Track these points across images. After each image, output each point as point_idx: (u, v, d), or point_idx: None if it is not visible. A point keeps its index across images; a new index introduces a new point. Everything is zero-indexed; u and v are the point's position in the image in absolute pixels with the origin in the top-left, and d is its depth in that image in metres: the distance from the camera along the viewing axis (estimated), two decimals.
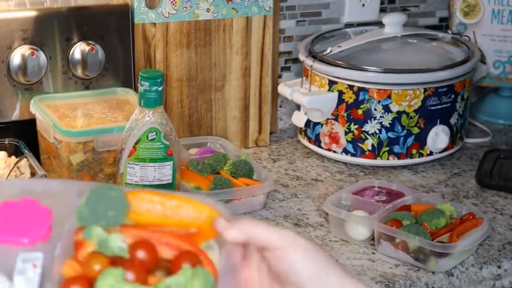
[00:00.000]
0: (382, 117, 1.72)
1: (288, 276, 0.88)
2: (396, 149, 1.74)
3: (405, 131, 1.73)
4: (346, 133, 1.75)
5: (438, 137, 1.76)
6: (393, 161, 1.76)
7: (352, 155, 1.76)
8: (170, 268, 0.85)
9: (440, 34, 1.93)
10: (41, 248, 0.86)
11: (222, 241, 0.88)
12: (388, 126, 1.73)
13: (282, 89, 1.78)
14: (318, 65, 1.75)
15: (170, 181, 1.46)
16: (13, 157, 1.55)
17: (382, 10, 2.02)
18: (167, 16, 1.72)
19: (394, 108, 1.72)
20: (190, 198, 0.91)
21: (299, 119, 1.78)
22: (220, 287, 0.84)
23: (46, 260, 0.84)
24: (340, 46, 1.79)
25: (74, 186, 0.92)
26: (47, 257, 0.84)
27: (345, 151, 1.76)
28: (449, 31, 1.95)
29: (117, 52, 1.69)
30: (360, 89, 1.72)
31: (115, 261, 0.84)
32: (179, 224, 0.90)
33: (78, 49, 1.65)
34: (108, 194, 0.88)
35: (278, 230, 0.89)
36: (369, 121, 1.73)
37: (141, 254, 0.85)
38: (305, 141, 1.83)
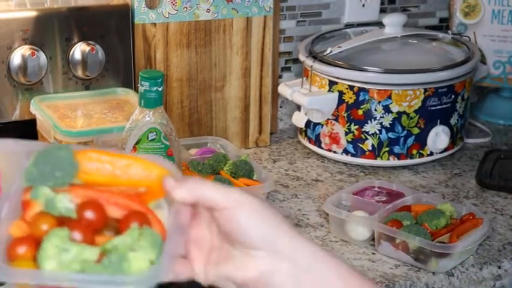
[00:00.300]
0: (383, 117, 1.72)
1: (238, 236, 0.87)
2: (396, 149, 1.74)
3: (405, 132, 1.73)
4: (346, 133, 1.75)
5: (438, 138, 1.76)
6: (393, 162, 1.76)
7: (353, 155, 1.76)
8: (119, 228, 0.85)
9: (440, 34, 1.93)
10: None
11: (172, 200, 0.88)
12: (388, 126, 1.73)
13: (282, 89, 1.78)
14: (318, 66, 1.75)
15: None
16: None
17: (382, 10, 2.02)
18: (167, 16, 1.72)
19: (394, 108, 1.72)
20: (139, 158, 0.90)
21: (299, 120, 1.78)
22: (168, 245, 0.83)
23: None
24: (340, 46, 1.79)
25: (24, 147, 0.90)
26: None
27: (345, 151, 1.76)
28: (449, 31, 1.95)
29: (117, 52, 1.69)
30: (360, 89, 1.72)
31: (63, 221, 0.84)
32: (128, 183, 0.89)
33: (78, 49, 1.65)
34: (57, 154, 0.87)
35: (227, 190, 0.88)
36: (369, 121, 1.73)
37: (88, 214, 0.84)
38: (305, 142, 1.83)
